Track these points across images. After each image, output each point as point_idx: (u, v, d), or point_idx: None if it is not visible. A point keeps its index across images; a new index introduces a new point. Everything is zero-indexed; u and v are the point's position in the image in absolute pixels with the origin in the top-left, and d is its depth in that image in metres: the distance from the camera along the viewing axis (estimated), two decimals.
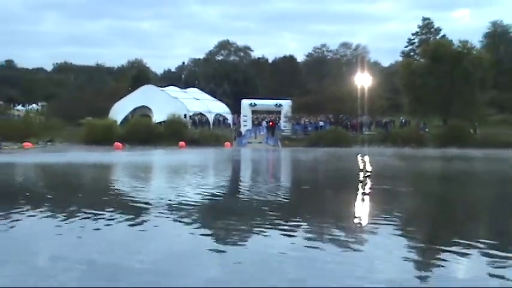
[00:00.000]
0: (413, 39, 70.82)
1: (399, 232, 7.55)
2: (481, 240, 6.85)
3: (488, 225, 8.78)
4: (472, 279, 5.21)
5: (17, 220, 8.13)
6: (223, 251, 6.19)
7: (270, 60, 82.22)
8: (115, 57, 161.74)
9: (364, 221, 8.81)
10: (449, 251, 6.23)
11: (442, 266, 5.65)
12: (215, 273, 5.18)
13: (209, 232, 7.46)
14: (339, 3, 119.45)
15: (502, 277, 5.19)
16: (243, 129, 53.24)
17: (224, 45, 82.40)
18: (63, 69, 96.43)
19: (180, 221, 8.16)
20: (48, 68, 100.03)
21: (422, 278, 5.23)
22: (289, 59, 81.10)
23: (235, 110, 59.14)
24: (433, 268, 5.62)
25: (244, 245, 6.69)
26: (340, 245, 6.56)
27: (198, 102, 58.83)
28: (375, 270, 5.38)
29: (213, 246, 6.47)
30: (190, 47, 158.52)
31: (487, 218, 9.72)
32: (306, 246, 6.48)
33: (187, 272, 5.25)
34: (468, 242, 6.68)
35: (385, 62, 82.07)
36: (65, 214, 8.60)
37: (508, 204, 11.43)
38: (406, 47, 71.74)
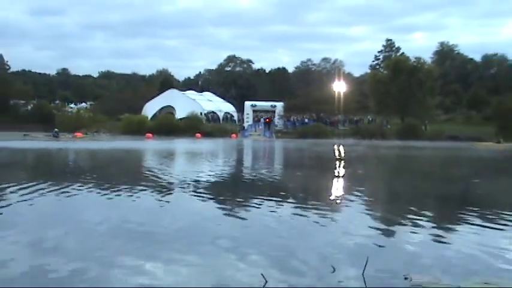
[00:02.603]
0: (379, 56, 70.79)
1: (364, 198, 7.54)
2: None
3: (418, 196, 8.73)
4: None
5: (71, 191, 8.00)
6: (232, 217, 6.21)
7: (267, 71, 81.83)
8: (147, 67, 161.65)
9: (337, 190, 8.79)
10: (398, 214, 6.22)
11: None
12: (224, 232, 5.17)
13: (219, 202, 7.47)
14: (322, 27, 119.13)
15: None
16: (245, 125, 53.33)
17: (231, 59, 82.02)
18: (107, 76, 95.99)
19: (197, 194, 8.15)
20: (95, 74, 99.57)
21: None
22: (282, 70, 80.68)
23: (240, 109, 59.13)
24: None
25: (247, 212, 6.67)
26: (320, 208, 6.54)
27: (211, 103, 58.69)
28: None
29: (223, 213, 6.48)
30: (206, 60, 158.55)
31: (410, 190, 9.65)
32: (294, 214, 6.45)
33: (201, 231, 5.25)
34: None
35: (357, 73, 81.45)
36: (106, 187, 8.53)
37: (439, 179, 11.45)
38: (373, 61, 71.85)
